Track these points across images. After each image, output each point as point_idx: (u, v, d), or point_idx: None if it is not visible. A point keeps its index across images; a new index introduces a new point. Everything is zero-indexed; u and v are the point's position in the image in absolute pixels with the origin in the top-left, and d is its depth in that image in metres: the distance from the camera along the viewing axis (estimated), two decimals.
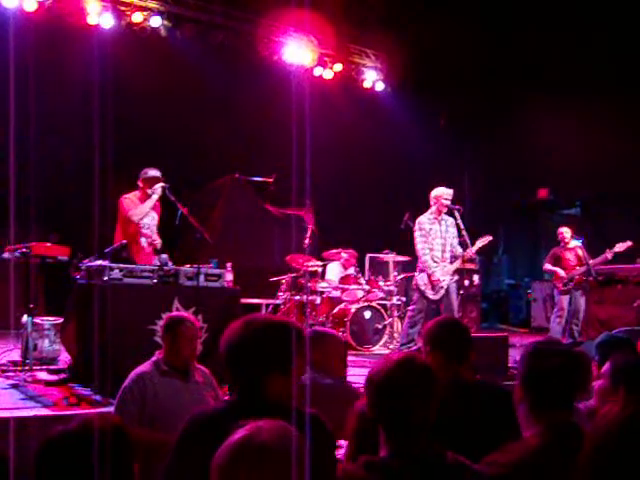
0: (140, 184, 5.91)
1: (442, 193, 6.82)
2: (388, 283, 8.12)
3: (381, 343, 7.69)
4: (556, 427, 2.08)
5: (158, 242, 6.01)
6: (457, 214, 6.79)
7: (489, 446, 2.16)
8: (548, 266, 8.33)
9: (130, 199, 5.85)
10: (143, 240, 5.90)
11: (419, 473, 1.86)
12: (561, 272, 8.13)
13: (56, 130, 7.75)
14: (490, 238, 6.98)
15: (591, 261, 8.06)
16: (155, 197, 5.80)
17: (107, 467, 1.55)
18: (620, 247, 7.94)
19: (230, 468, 1.40)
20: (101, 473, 1.52)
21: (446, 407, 2.09)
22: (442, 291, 6.65)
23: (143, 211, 5.80)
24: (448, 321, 2.89)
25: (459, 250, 6.81)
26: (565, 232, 8.36)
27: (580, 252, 8.28)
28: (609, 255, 7.98)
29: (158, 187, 5.76)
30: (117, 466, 1.61)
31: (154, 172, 5.88)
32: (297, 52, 10.03)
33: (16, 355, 5.63)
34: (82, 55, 7.69)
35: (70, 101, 7.52)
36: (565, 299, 8.13)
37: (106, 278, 4.85)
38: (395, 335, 7.88)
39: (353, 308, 7.62)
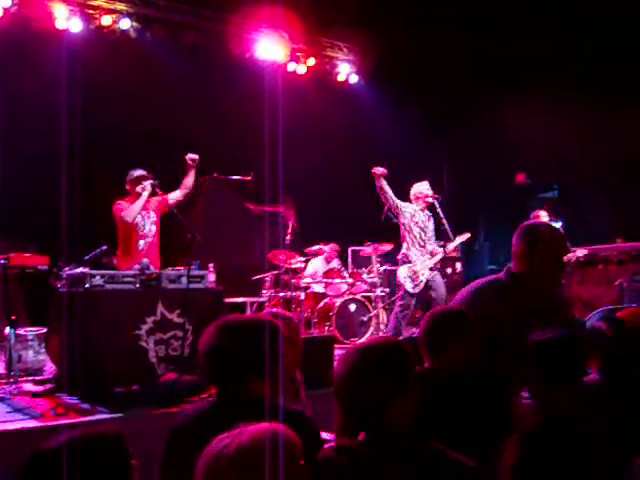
0: (128, 187, 5.91)
1: (423, 189, 6.91)
2: (371, 275, 8.15)
3: (367, 335, 7.71)
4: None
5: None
6: (436, 203, 6.85)
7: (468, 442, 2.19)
8: None
9: (122, 203, 5.85)
10: (141, 242, 5.88)
11: (387, 459, 1.86)
12: None
13: (26, 138, 7.63)
14: (469, 235, 7.08)
15: None
16: (146, 194, 5.79)
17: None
18: (580, 253, 8.06)
19: (213, 474, 1.40)
20: None
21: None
22: (422, 285, 6.71)
23: (135, 210, 5.78)
24: (430, 314, 2.79)
25: (437, 248, 6.90)
26: (542, 216, 8.42)
27: None
28: (571, 256, 8.09)
29: (147, 184, 5.76)
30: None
31: (139, 172, 5.89)
32: (269, 48, 10.00)
33: (0, 368, 5.58)
34: (52, 60, 7.60)
35: (40, 107, 7.41)
36: None
37: (88, 285, 4.81)
38: (381, 327, 7.91)
39: (338, 302, 7.64)
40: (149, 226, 5.95)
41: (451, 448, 1.97)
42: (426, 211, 6.96)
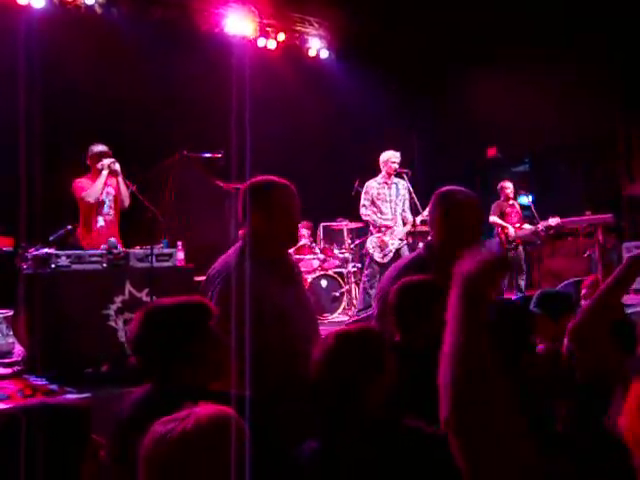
0: (89, 163, 5.85)
1: (390, 156, 6.91)
2: (343, 251, 8.17)
3: (339, 310, 7.75)
4: None
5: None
6: (406, 178, 6.88)
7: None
8: (496, 219, 8.38)
9: (82, 181, 5.79)
10: (100, 220, 5.85)
11: (363, 440, 1.88)
12: (511, 229, 8.27)
13: None
14: None
15: (520, 232, 8.26)
16: (105, 173, 5.74)
17: (46, 453, 1.52)
18: (553, 222, 8.13)
19: (155, 458, 1.38)
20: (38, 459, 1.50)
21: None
22: (391, 254, 6.75)
23: (96, 190, 5.74)
24: (398, 287, 2.65)
25: (409, 216, 6.94)
26: (508, 187, 8.50)
27: (518, 208, 8.49)
28: (540, 226, 8.16)
29: (106, 162, 5.70)
30: (59, 453, 1.58)
31: (100, 147, 5.84)
32: (238, 23, 9.86)
33: None
34: (14, 37, 7.41)
35: (2, 86, 7.24)
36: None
37: (53, 266, 4.77)
38: (354, 302, 7.95)
39: (309, 278, 7.65)
40: (108, 203, 5.92)
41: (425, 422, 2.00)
42: (393, 179, 6.95)
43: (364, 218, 7.02)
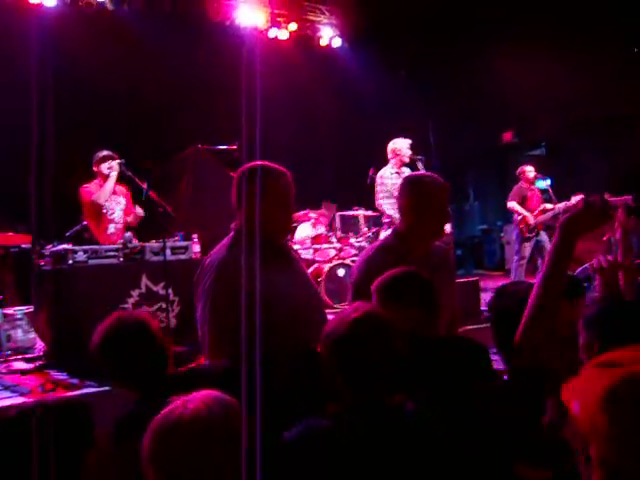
0: (95, 169, 5.90)
1: (402, 145, 6.81)
2: (359, 239, 8.15)
3: None
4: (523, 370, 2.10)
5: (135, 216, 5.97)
6: (420, 164, 6.79)
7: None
8: (515, 205, 8.24)
9: (89, 186, 5.86)
10: (111, 227, 5.89)
11: (373, 422, 1.89)
12: (530, 218, 8.15)
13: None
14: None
15: (540, 218, 8.13)
16: (114, 174, 5.78)
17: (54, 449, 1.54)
18: (575, 200, 8.00)
19: (151, 446, 1.40)
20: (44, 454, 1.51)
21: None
22: None
23: (107, 191, 5.78)
24: (404, 273, 2.54)
25: None
26: (528, 171, 8.38)
27: (538, 192, 8.38)
28: (562, 206, 8.03)
29: (114, 163, 5.73)
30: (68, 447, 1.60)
31: (105, 152, 5.88)
32: (249, 14, 9.86)
33: None
34: (26, 37, 7.47)
35: (15, 85, 7.30)
36: (528, 246, 8.15)
37: (71, 262, 4.82)
38: None
39: (326, 267, 7.63)
40: (118, 212, 5.97)
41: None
42: (403, 169, 6.87)
43: (384, 209, 6.92)
